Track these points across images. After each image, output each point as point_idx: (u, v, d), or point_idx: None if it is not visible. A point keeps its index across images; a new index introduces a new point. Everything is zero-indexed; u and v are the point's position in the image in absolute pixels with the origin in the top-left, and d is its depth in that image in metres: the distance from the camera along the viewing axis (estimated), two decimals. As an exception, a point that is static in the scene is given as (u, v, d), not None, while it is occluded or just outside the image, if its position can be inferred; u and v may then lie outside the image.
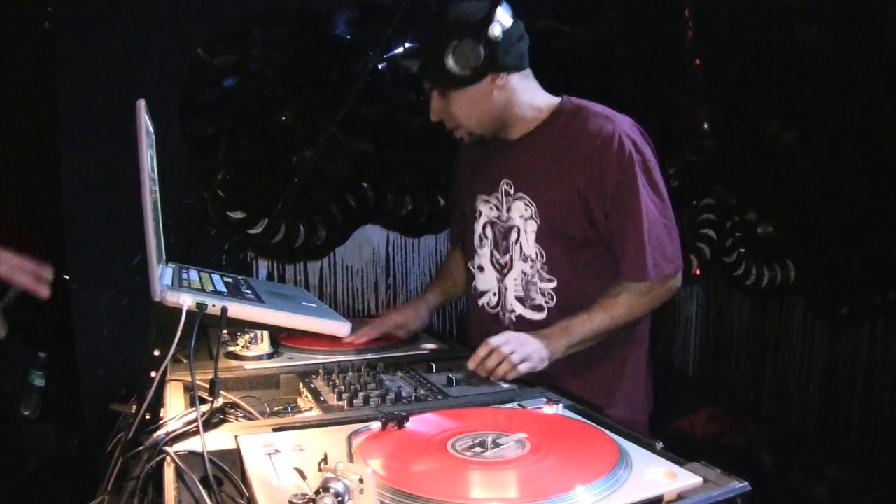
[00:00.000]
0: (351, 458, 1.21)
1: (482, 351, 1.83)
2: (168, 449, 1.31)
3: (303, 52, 3.04)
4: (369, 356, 2.07)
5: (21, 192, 2.85)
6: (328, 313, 1.93)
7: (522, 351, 1.84)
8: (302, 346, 2.14)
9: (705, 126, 3.79)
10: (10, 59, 2.88)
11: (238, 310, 1.58)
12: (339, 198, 3.26)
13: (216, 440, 1.39)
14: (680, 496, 1.14)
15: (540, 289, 2.11)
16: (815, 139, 3.54)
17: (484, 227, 2.23)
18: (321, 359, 2.03)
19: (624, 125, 2.02)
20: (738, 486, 1.15)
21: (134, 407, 1.52)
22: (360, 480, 1.03)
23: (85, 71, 2.73)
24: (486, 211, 2.22)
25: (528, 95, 2.11)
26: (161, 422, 1.47)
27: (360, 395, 1.68)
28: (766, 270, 3.83)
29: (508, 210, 2.14)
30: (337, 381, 1.79)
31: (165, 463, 1.29)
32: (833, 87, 3.40)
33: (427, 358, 2.08)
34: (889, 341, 3.65)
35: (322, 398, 1.69)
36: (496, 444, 1.28)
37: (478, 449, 1.27)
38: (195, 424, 1.38)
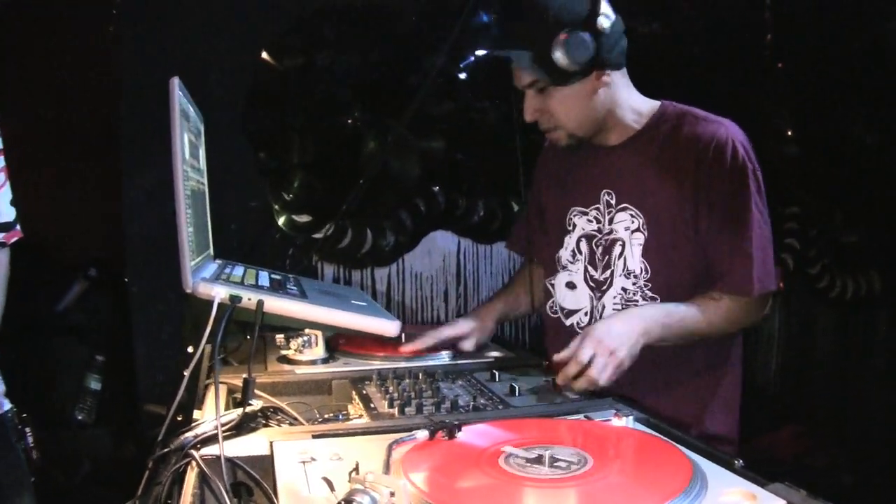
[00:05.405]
0: (388, 468, 1.08)
1: (572, 369, 1.66)
2: (194, 452, 1.20)
3: (371, 49, 2.96)
4: (429, 363, 1.95)
5: (82, 196, 2.84)
6: (378, 312, 1.81)
7: (613, 362, 1.69)
8: (359, 351, 2.03)
9: (788, 132, 3.66)
10: (73, 65, 2.88)
11: (275, 304, 1.47)
12: (408, 202, 3.17)
13: (251, 446, 1.28)
14: (763, 521, 0.98)
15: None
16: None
17: (578, 242, 2.08)
18: (377, 365, 1.92)
19: (736, 131, 1.92)
20: (827, 511, 1.00)
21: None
22: (392, 494, 0.90)
23: (146, 74, 2.65)
24: (581, 224, 2.08)
25: (628, 96, 2.00)
26: (194, 423, 1.37)
27: (413, 402, 1.54)
28: (850, 282, 3.70)
29: (611, 222, 2.01)
30: (390, 388, 1.67)
31: (189, 467, 1.18)
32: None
33: (491, 366, 1.93)
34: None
35: (372, 405, 1.57)
36: (555, 460, 1.13)
37: (534, 464, 1.12)
38: (227, 427, 1.28)
